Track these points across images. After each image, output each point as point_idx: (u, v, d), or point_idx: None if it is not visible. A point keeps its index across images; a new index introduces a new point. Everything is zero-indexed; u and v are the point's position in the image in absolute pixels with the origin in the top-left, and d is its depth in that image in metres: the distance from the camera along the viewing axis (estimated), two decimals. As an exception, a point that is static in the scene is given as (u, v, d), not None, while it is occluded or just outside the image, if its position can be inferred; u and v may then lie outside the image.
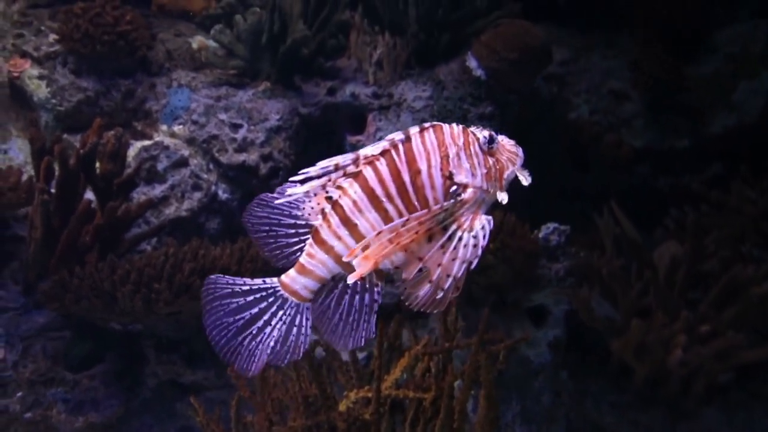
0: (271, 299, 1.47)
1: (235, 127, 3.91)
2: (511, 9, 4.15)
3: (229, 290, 1.49)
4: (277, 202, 1.44)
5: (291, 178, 1.40)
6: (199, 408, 2.29)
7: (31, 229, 3.26)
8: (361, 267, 1.33)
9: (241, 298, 1.48)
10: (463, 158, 1.42)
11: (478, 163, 1.43)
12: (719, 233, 3.42)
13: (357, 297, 1.45)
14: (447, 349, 2.14)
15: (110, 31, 3.93)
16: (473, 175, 1.42)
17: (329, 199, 1.41)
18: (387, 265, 1.39)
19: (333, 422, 2.09)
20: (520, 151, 1.49)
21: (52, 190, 3.25)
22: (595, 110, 4.65)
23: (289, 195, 1.38)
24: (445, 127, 1.43)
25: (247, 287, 1.48)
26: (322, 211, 1.42)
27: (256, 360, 1.48)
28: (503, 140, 1.49)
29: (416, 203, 1.40)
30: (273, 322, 1.47)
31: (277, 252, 1.47)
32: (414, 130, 1.41)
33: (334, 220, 1.41)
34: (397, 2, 4.08)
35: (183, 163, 3.86)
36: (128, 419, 3.37)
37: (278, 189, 1.46)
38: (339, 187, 1.40)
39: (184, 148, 3.91)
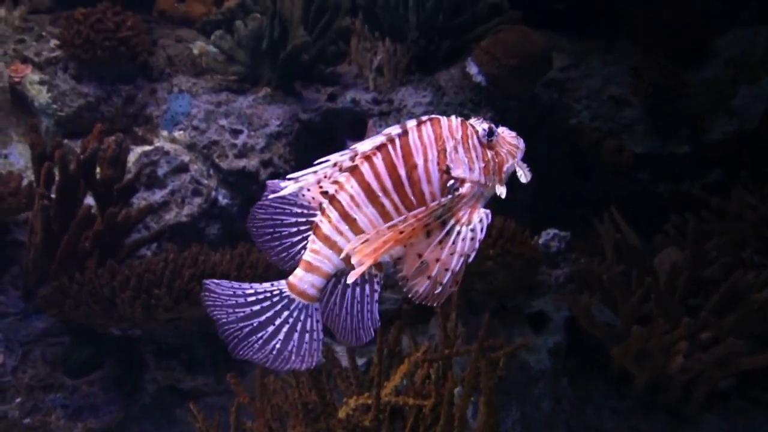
0: (277, 300, 1.45)
1: (236, 132, 3.92)
2: (511, 15, 4.16)
3: (233, 301, 1.47)
4: (272, 196, 1.42)
5: (288, 176, 1.39)
6: (199, 414, 2.29)
7: (31, 234, 3.26)
8: (360, 265, 1.33)
9: (248, 308, 1.46)
10: (461, 152, 1.40)
11: (476, 157, 1.41)
12: (720, 239, 3.42)
13: (358, 289, 1.45)
14: (447, 355, 2.13)
15: (111, 36, 3.94)
16: (470, 169, 1.40)
17: (325, 194, 1.41)
18: (386, 258, 1.39)
19: (333, 429, 2.08)
20: (521, 143, 1.47)
21: (53, 196, 3.25)
22: (596, 116, 4.65)
23: (287, 188, 1.37)
24: (443, 120, 1.42)
25: (253, 290, 1.46)
26: (321, 207, 1.42)
27: (283, 361, 1.46)
28: (504, 132, 1.46)
29: (412, 198, 1.39)
30: (285, 329, 1.45)
31: (284, 254, 1.46)
32: (411, 124, 1.40)
33: (334, 215, 1.40)
34: (397, 8, 4.09)
35: (183, 168, 3.87)
36: (127, 425, 3.36)
37: (268, 182, 1.45)
38: (336, 182, 1.39)
39: (185, 153, 3.91)
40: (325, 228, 1.41)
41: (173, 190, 3.82)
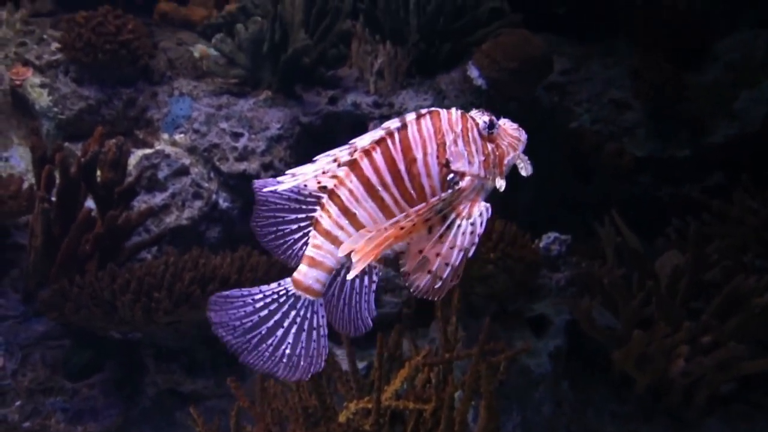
0: (282, 300, 1.44)
1: (236, 135, 3.92)
2: (511, 19, 4.17)
3: (244, 305, 1.45)
4: (266, 190, 1.41)
5: (287, 172, 1.39)
6: (199, 418, 2.28)
7: (32, 237, 3.26)
8: (360, 262, 1.32)
9: (257, 315, 1.45)
10: (460, 145, 1.39)
11: (476, 150, 1.40)
12: (721, 243, 3.41)
13: (357, 281, 1.44)
14: (447, 359, 2.13)
15: (112, 40, 3.94)
16: (470, 162, 1.39)
17: (324, 189, 1.40)
18: (387, 252, 1.39)
19: (333, 433, 2.08)
20: (523, 135, 1.45)
21: (53, 199, 3.25)
22: (597, 119, 4.65)
23: (284, 183, 1.36)
24: (443, 112, 1.41)
25: (261, 294, 1.45)
26: (320, 202, 1.41)
27: (296, 367, 1.45)
28: (505, 124, 1.45)
29: (412, 192, 1.38)
30: (293, 330, 1.44)
31: (289, 252, 1.46)
32: (411, 117, 1.39)
33: (334, 210, 1.39)
34: (398, 12, 4.10)
35: (184, 171, 3.87)
36: (127, 428, 3.35)
37: (255, 182, 1.45)
38: (335, 177, 1.39)
39: (185, 156, 3.91)
40: (326, 223, 1.40)
41: (174, 193, 3.82)
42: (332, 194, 1.39)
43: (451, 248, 1.36)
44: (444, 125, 1.39)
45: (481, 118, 1.42)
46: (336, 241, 1.40)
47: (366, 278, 1.44)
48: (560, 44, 4.81)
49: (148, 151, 3.90)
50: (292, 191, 1.42)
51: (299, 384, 2.21)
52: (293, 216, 1.44)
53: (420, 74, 4.08)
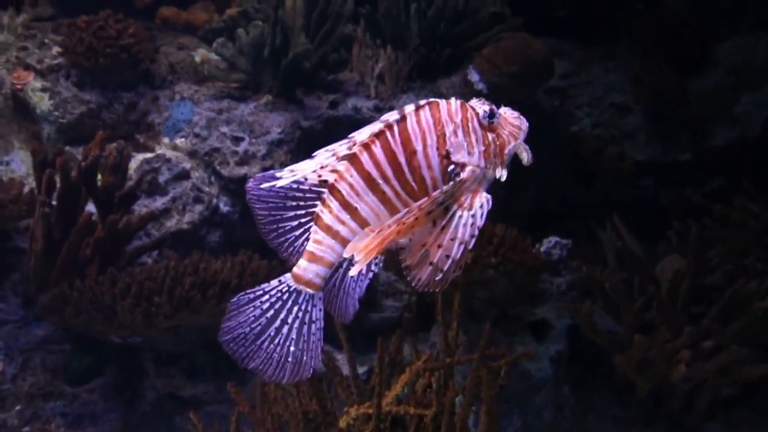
0: (285, 296, 1.44)
1: (237, 140, 3.92)
2: (512, 23, 4.17)
3: (253, 310, 1.44)
4: (266, 185, 1.40)
5: (286, 168, 1.38)
6: (199, 423, 2.27)
7: (32, 241, 3.26)
8: (363, 259, 1.32)
9: (266, 315, 1.44)
10: (460, 136, 1.38)
11: (476, 140, 1.38)
12: (722, 247, 3.40)
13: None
14: (448, 364, 2.12)
15: (113, 44, 3.95)
16: (470, 153, 1.38)
17: (325, 183, 1.39)
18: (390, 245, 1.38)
19: (333, 438, 2.07)
20: (524, 123, 1.44)
21: (54, 203, 3.25)
22: (597, 123, 4.65)
23: (283, 179, 1.35)
24: (442, 103, 1.40)
25: (267, 296, 1.44)
26: (321, 197, 1.40)
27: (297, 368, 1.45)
28: (506, 113, 1.44)
29: (413, 184, 1.37)
30: (290, 321, 1.44)
31: (291, 249, 1.45)
32: (409, 109, 1.38)
33: (335, 204, 1.39)
34: (399, 16, 4.10)
35: (184, 175, 3.87)
36: (127, 433, 3.35)
37: (249, 182, 1.43)
38: (336, 172, 1.38)
39: (186, 160, 3.91)
40: (327, 218, 1.40)
41: (174, 197, 3.82)
42: (333, 189, 1.39)
43: (452, 240, 1.35)
44: (443, 116, 1.38)
45: (481, 107, 1.41)
46: (337, 236, 1.40)
47: (365, 268, 1.44)
48: (561, 48, 4.81)
49: (148, 155, 3.90)
50: (291, 186, 1.41)
51: (300, 389, 2.21)
52: (292, 213, 1.43)
53: (421, 78, 4.08)
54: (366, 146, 1.37)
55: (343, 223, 1.39)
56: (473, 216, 1.36)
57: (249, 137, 3.91)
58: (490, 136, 1.41)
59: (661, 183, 4.53)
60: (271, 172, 1.41)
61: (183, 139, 3.97)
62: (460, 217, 1.36)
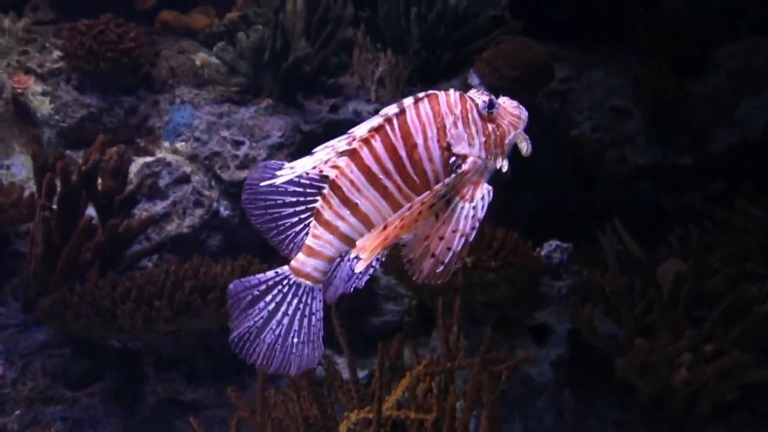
0: (285, 289, 1.44)
1: (237, 143, 3.92)
2: (512, 27, 4.17)
3: (249, 296, 1.44)
4: (265, 183, 1.40)
5: (286, 164, 1.38)
6: (199, 427, 2.27)
7: (32, 245, 3.25)
8: (368, 257, 1.31)
9: (261, 301, 1.44)
10: (460, 127, 1.37)
11: (477, 132, 1.38)
12: (723, 251, 3.40)
13: (356, 260, 1.44)
14: (449, 369, 2.11)
15: (114, 48, 3.95)
16: (470, 144, 1.37)
17: (326, 178, 1.39)
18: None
19: (333, 443, 2.06)
20: (523, 113, 1.44)
21: (54, 207, 3.25)
22: (598, 127, 4.65)
23: (282, 177, 1.35)
24: (441, 95, 1.39)
25: (263, 285, 1.44)
26: (321, 193, 1.40)
27: (291, 360, 1.45)
28: (505, 102, 1.44)
29: (415, 177, 1.37)
30: (291, 313, 1.44)
31: (291, 246, 1.45)
32: (408, 102, 1.37)
33: (335, 200, 1.38)
34: (399, 20, 4.10)
35: (185, 179, 3.87)
36: (127, 438, 3.34)
37: (247, 181, 1.43)
38: (336, 167, 1.38)
39: (186, 164, 3.91)
40: (326, 214, 1.40)
41: (175, 201, 3.81)
42: (333, 185, 1.39)
43: (453, 232, 1.34)
44: (443, 108, 1.38)
45: (480, 98, 1.41)
46: (336, 232, 1.40)
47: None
48: (561, 52, 4.81)
49: (149, 159, 3.90)
50: (291, 181, 1.41)
51: (300, 393, 2.20)
52: (291, 210, 1.43)
53: (421, 82, 4.08)
54: (366, 141, 1.36)
55: (342, 218, 1.39)
56: (474, 208, 1.36)
57: (249, 141, 3.91)
58: (490, 126, 1.40)
59: (661, 187, 4.53)
60: (274, 162, 1.41)
61: (183, 143, 3.97)
62: (462, 208, 1.35)
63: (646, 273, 3.33)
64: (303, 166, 1.35)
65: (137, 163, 3.85)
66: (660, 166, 4.50)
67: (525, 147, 1.43)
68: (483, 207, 1.36)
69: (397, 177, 1.37)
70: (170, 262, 3.30)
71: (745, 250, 3.51)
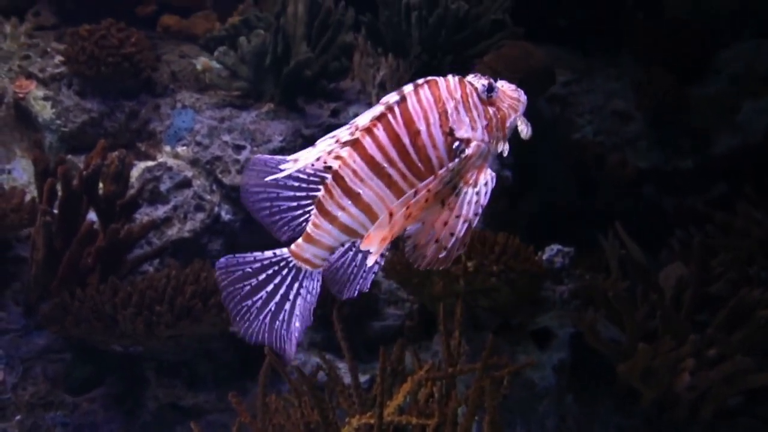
0: (284, 271, 1.45)
1: (239, 148, 3.92)
2: (513, 31, 4.17)
3: (241, 271, 1.45)
4: (270, 178, 1.40)
5: (289, 157, 1.38)
6: (200, 433, 2.26)
7: (33, 250, 3.25)
8: (378, 249, 1.31)
9: (255, 278, 1.45)
10: (462, 112, 1.37)
11: (478, 116, 1.38)
12: (726, 255, 3.39)
13: (360, 255, 1.44)
14: (451, 374, 2.11)
15: (115, 53, 3.96)
16: (473, 128, 1.37)
17: (329, 168, 1.39)
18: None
19: (335, 449, 2.05)
20: (522, 96, 1.44)
21: (55, 211, 3.24)
22: (599, 131, 4.65)
23: (285, 171, 1.35)
24: (441, 80, 1.39)
25: (258, 263, 1.45)
26: (324, 182, 1.40)
27: (287, 339, 1.46)
28: (504, 86, 1.44)
29: (419, 164, 1.36)
30: (290, 296, 1.45)
31: (285, 228, 1.46)
32: (408, 89, 1.37)
33: (336, 191, 1.38)
34: (400, 24, 4.10)
35: (186, 184, 3.86)
36: (128, 443, 3.33)
37: (246, 183, 1.44)
38: (338, 158, 1.37)
39: (188, 169, 3.91)
40: (327, 204, 1.40)
41: (176, 205, 3.81)
42: (336, 175, 1.38)
43: (457, 218, 1.34)
44: (443, 93, 1.37)
45: (479, 82, 1.41)
46: (335, 222, 1.40)
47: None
48: (562, 56, 4.81)
49: (150, 163, 3.90)
50: (290, 176, 1.41)
51: (301, 399, 2.19)
52: (291, 193, 1.44)
53: (422, 86, 4.08)
54: (368, 130, 1.36)
55: (343, 209, 1.39)
56: (478, 193, 1.36)
57: (250, 145, 3.91)
58: (491, 110, 1.41)
59: (663, 190, 4.52)
60: (272, 156, 1.42)
61: (184, 148, 3.97)
62: (466, 193, 1.35)
63: (648, 277, 3.32)
64: (306, 158, 1.35)
65: (138, 168, 3.85)
66: (661, 170, 4.50)
67: (525, 130, 1.44)
68: (486, 192, 1.36)
69: (401, 165, 1.36)
70: (171, 266, 3.30)
71: (748, 254, 3.50)
